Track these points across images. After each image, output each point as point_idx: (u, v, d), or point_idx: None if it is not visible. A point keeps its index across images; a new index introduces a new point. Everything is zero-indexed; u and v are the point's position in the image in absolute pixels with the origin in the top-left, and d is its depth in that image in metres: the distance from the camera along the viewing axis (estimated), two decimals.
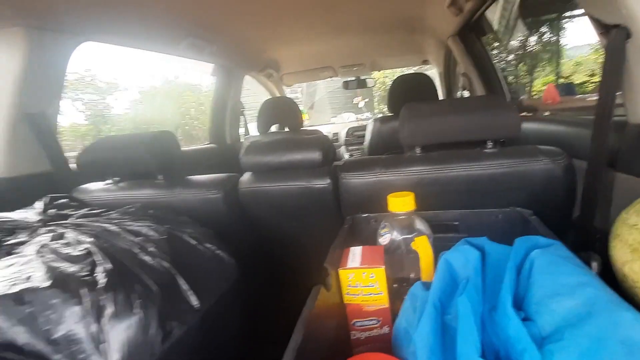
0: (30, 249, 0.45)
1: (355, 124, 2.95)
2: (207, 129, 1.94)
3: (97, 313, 0.38)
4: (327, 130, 2.82)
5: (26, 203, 0.71)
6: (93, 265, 0.43)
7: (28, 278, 0.39)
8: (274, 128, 1.92)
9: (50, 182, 1.00)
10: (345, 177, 0.80)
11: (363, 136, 2.63)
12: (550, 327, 0.37)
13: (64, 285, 0.39)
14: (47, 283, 0.38)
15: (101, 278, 0.41)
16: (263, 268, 0.83)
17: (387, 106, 1.72)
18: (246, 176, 0.91)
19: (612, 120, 0.60)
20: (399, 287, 0.53)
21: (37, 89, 0.97)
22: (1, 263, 0.42)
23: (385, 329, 0.50)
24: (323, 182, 0.84)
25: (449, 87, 2.25)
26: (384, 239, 0.55)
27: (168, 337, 0.41)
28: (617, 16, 0.55)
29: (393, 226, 0.55)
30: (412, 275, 0.54)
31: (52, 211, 0.57)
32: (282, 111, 1.82)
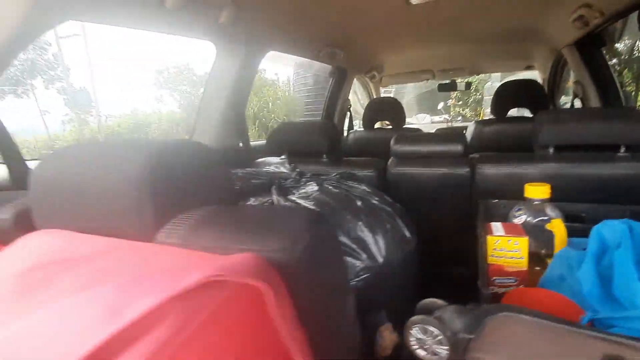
0: (310, 189, 0.73)
1: (443, 125, 3.04)
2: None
3: (371, 228, 0.64)
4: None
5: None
6: (353, 202, 0.69)
7: (325, 203, 0.67)
8: (377, 124, 2.15)
9: (237, 154, 1.36)
10: (482, 167, 0.98)
11: None
12: None
13: (349, 209, 0.66)
14: (340, 206, 0.66)
15: (364, 209, 0.67)
16: None
17: (492, 109, 1.82)
18: (393, 160, 1.14)
19: None
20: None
21: (239, 87, 1.33)
22: (300, 194, 0.72)
23: (520, 287, 0.58)
24: (462, 170, 1.02)
25: (553, 94, 2.23)
26: (519, 220, 0.64)
27: (401, 251, 0.67)
28: None
29: (528, 210, 0.64)
30: (543, 251, 0.63)
31: (297, 170, 0.87)
32: (388, 110, 2.04)
